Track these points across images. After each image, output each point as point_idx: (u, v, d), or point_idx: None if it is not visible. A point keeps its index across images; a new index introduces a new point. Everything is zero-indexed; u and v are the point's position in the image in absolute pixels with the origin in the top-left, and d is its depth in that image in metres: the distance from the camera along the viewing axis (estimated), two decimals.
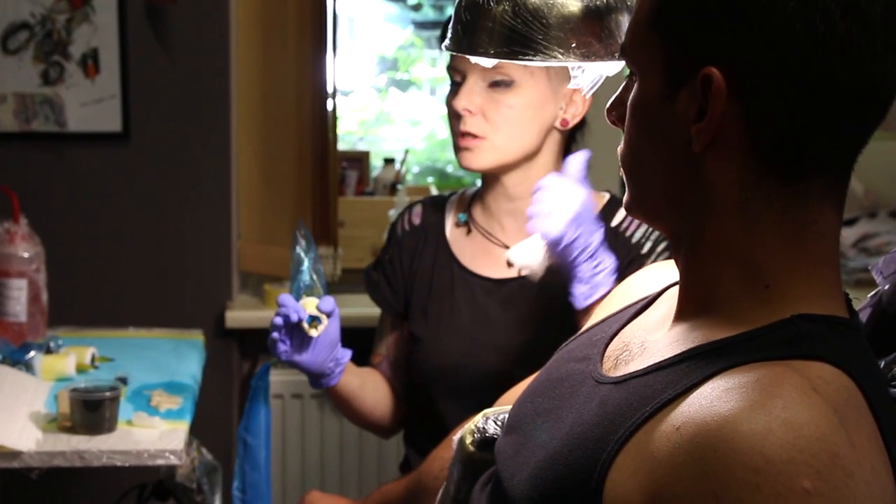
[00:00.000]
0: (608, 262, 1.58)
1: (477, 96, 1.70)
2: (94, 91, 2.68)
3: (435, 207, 1.90)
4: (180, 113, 2.73)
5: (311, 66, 2.73)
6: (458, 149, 1.74)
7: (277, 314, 1.63)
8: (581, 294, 1.58)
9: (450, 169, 4.12)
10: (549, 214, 1.55)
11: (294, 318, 1.61)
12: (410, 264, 1.86)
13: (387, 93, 4.32)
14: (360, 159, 3.48)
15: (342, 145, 3.21)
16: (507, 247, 1.77)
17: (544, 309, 1.73)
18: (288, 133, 2.78)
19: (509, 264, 1.64)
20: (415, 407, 1.90)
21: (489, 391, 1.69)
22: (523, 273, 1.65)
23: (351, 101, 4.16)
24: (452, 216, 1.87)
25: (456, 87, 1.74)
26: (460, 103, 1.70)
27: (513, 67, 1.67)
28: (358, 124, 4.22)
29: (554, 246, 1.56)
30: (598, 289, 1.56)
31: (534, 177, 1.75)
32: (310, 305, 1.64)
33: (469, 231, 1.83)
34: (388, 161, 3.48)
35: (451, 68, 1.74)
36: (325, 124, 2.76)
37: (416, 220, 1.89)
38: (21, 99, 2.67)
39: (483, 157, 1.72)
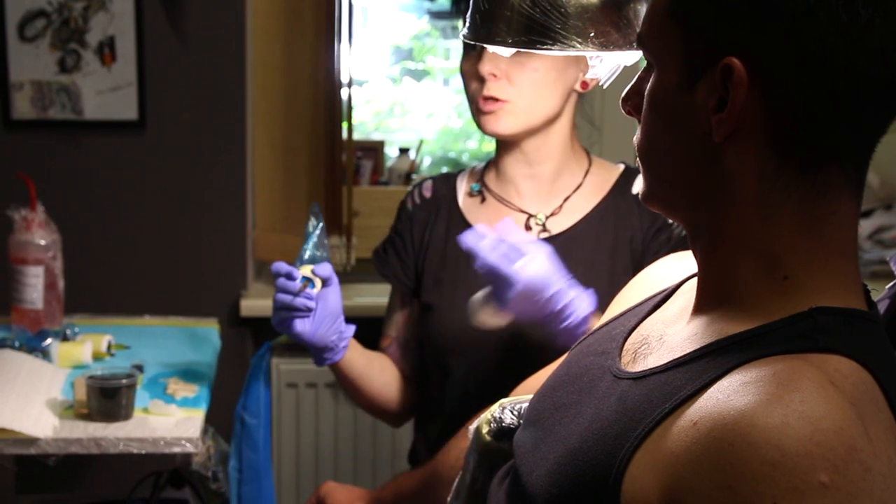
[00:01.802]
0: (581, 308, 1.56)
1: (502, 60, 1.67)
2: (111, 79, 2.68)
3: (446, 181, 1.89)
4: (196, 101, 2.73)
5: (326, 56, 2.72)
6: (479, 113, 1.71)
7: (276, 288, 1.65)
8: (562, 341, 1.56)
9: (465, 158, 4.11)
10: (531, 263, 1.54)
11: (283, 273, 1.62)
12: (422, 237, 1.85)
13: (401, 82, 4.31)
14: (374, 149, 3.48)
15: (357, 135, 3.21)
16: (523, 211, 1.77)
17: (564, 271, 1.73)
18: (303, 122, 2.78)
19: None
20: (424, 390, 1.89)
21: (500, 358, 1.70)
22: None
23: (365, 90, 4.15)
24: (464, 187, 1.85)
25: (471, 51, 1.71)
26: (485, 67, 1.67)
27: None
28: (372, 114, 4.21)
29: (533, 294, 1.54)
30: (576, 331, 1.54)
31: (552, 141, 1.75)
32: (305, 270, 1.67)
33: (483, 199, 1.82)
34: (403, 151, 3.48)
35: None
36: (340, 114, 2.76)
37: (427, 194, 1.88)
38: (38, 87, 2.67)
39: (508, 121, 1.70)
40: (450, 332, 1.76)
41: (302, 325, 1.67)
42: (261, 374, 1.86)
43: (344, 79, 2.74)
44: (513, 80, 1.68)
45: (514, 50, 1.48)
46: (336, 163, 2.78)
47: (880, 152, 0.93)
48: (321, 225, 1.75)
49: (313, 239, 1.73)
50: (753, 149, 0.89)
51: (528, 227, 1.77)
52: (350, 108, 2.79)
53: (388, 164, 3.50)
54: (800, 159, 0.88)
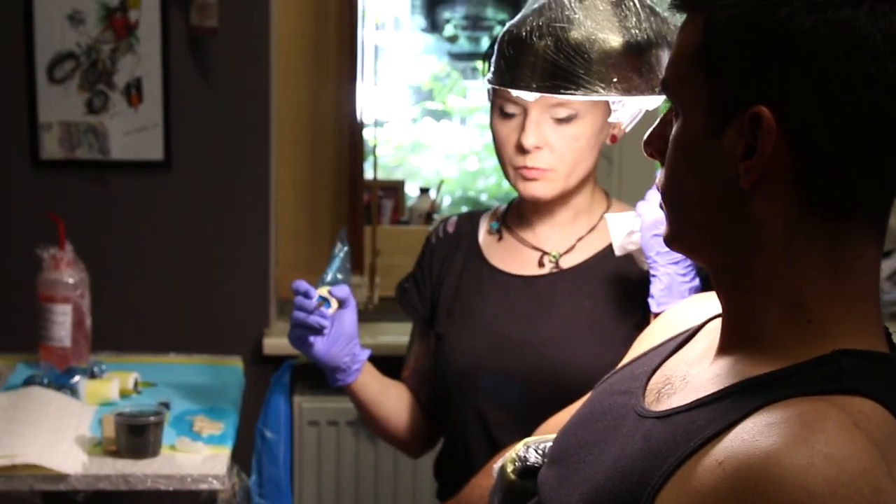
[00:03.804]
0: (694, 280, 1.56)
1: (545, 129, 1.66)
2: (137, 120, 2.72)
3: (470, 218, 1.91)
4: (221, 142, 2.77)
5: (349, 96, 2.76)
6: (520, 179, 1.70)
7: (294, 306, 1.70)
8: (660, 295, 1.55)
9: (483, 198, 4.14)
10: (653, 202, 1.54)
11: (301, 292, 1.68)
12: (440, 269, 1.86)
13: (421, 122, 4.35)
14: (395, 188, 3.51)
15: (378, 174, 3.24)
16: (538, 249, 1.79)
17: (571, 305, 1.73)
18: (326, 162, 2.82)
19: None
20: (445, 437, 1.90)
21: (508, 392, 1.71)
22: (615, 244, 1.65)
23: (386, 130, 4.19)
24: (486, 225, 1.87)
25: (509, 118, 1.69)
26: (529, 140, 1.65)
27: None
28: (393, 151, 4.25)
29: (650, 229, 1.54)
30: (676, 298, 1.53)
31: (575, 191, 1.75)
32: (323, 290, 1.72)
33: (501, 237, 1.84)
34: (424, 190, 3.50)
35: (506, 99, 1.67)
36: (362, 153, 2.79)
37: (451, 229, 1.90)
38: (66, 127, 2.71)
39: (549, 187, 1.70)
40: (454, 364, 1.77)
41: (315, 344, 1.71)
42: (280, 389, 1.89)
43: (367, 119, 2.78)
44: (554, 150, 1.67)
45: (538, 95, 1.51)
46: (358, 202, 2.81)
47: None
48: (346, 249, 1.79)
49: (336, 263, 1.77)
50: (780, 195, 0.90)
51: (541, 264, 1.78)
52: (375, 147, 2.83)
53: (409, 203, 3.52)
54: (826, 206, 0.89)
